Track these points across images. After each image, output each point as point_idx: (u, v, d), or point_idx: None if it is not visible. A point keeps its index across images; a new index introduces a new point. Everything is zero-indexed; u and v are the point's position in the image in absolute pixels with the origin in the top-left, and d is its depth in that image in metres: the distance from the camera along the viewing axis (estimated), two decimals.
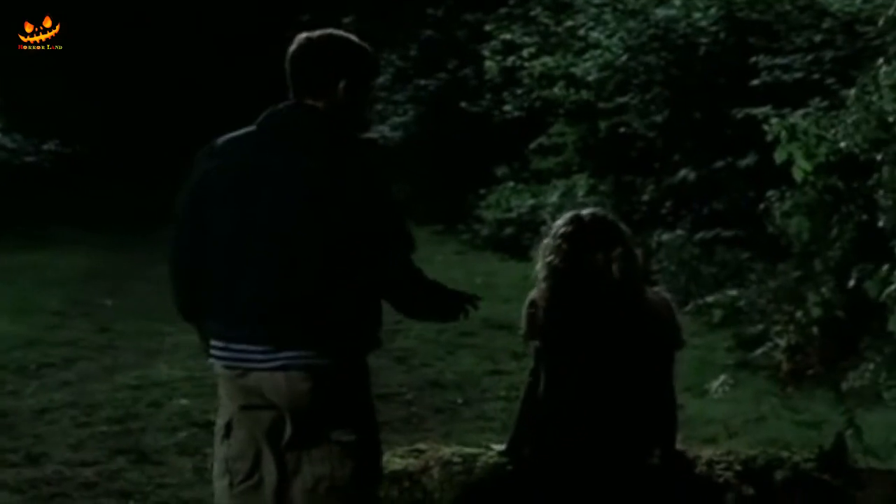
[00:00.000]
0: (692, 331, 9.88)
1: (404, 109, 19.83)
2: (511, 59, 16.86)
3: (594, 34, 15.28)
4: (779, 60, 11.42)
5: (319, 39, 4.10)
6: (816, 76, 10.98)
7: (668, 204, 13.45)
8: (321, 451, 3.98)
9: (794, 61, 11.29)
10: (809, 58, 11.26)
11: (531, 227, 15.04)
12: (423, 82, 19.43)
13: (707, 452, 4.80)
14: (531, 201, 15.13)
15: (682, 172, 12.48)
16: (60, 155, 18.39)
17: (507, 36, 17.14)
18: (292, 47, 4.09)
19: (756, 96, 11.39)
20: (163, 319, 9.26)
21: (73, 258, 14.54)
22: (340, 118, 4.01)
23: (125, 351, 9.60)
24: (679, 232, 12.68)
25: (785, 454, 4.87)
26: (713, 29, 13.23)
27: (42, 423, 7.59)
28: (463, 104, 18.15)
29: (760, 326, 9.38)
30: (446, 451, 5.04)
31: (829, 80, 10.77)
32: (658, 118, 13.32)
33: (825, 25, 11.97)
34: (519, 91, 16.93)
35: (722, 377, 8.35)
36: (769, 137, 9.47)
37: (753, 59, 11.50)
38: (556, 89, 15.75)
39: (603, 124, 14.35)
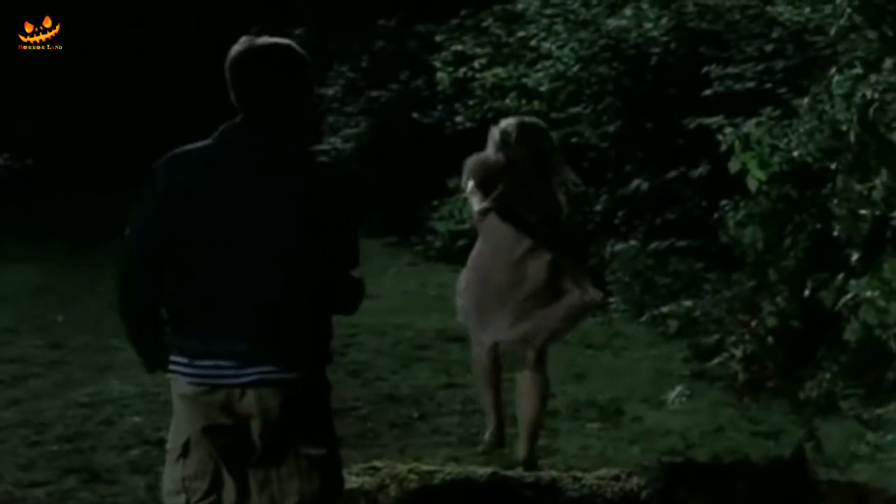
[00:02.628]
0: (647, 342, 9.91)
1: (356, 121, 19.72)
2: (462, 70, 16.79)
3: (546, 45, 15.26)
4: (730, 70, 11.43)
5: (271, 47, 4.04)
6: (768, 85, 10.99)
7: (620, 214, 13.41)
8: (289, 466, 3.99)
9: (746, 70, 11.29)
10: (760, 67, 11.27)
11: None
12: (374, 94, 19.32)
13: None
14: None
15: (635, 183, 12.48)
16: (10, 169, 18.20)
17: (459, 47, 17.09)
18: (238, 53, 4.02)
19: (708, 106, 11.41)
20: (115, 335, 9.05)
21: (24, 272, 14.35)
22: (299, 130, 4.05)
23: (77, 367, 9.45)
24: (632, 242, 12.65)
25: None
26: (664, 39, 13.22)
27: None
28: (415, 115, 18.08)
29: (716, 337, 9.36)
30: (402, 468, 5.02)
31: (781, 90, 10.79)
32: (610, 128, 13.30)
33: (775, 35, 12.00)
34: (471, 102, 16.85)
35: (678, 388, 8.33)
36: (723, 147, 9.46)
37: (705, 69, 11.48)
38: (507, 100, 15.72)
39: (555, 135, 14.26)
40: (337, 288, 4.04)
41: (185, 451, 4.04)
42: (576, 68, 13.96)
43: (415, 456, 6.76)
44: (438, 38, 17.35)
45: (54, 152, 20.93)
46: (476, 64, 16.64)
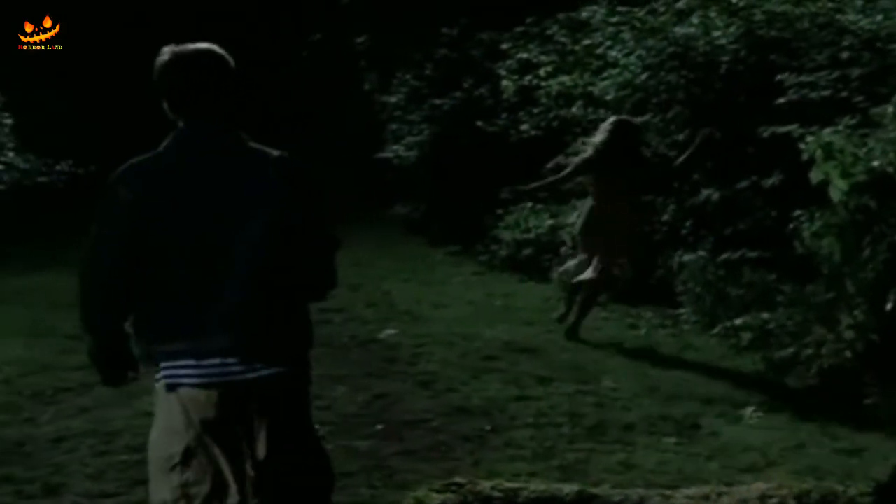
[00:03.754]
0: (719, 354, 9.73)
1: (419, 129, 19.63)
2: (528, 78, 16.67)
3: (612, 53, 15.12)
4: (804, 78, 11.20)
5: (213, 53, 4.19)
6: (844, 94, 10.76)
7: (688, 224, 13.23)
8: (287, 453, 4.05)
9: (820, 79, 11.07)
10: (835, 75, 11.04)
11: (550, 247, 14.86)
12: (437, 101, 19.23)
13: (759, 486, 4.59)
14: (550, 222, 14.92)
15: (705, 192, 12.24)
16: (73, 175, 18.23)
17: (524, 55, 16.97)
18: (166, 62, 4.17)
19: (779, 114, 11.24)
20: None
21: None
22: (239, 127, 4.22)
23: (142, 374, 9.33)
24: (700, 253, 12.49)
25: (839, 488, 4.67)
26: (733, 47, 13.02)
27: (59, 452, 7.37)
28: (479, 123, 17.95)
29: (791, 350, 9.16)
30: (485, 484, 4.88)
31: (857, 98, 10.57)
32: (679, 137, 13.09)
33: (846, 43, 11.78)
34: (535, 110, 16.75)
35: (755, 402, 8.13)
36: (805, 156, 9.26)
37: (779, 77, 11.27)
38: (574, 109, 15.60)
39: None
40: (314, 271, 4.15)
41: (185, 458, 4.02)
42: (644, 76, 13.78)
43: (489, 471, 6.63)
44: (504, 46, 17.14)
45: (119, 159, 20.94)
46: (541, 72, 16.51)
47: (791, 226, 9.88)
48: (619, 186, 11.07)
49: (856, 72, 11.17)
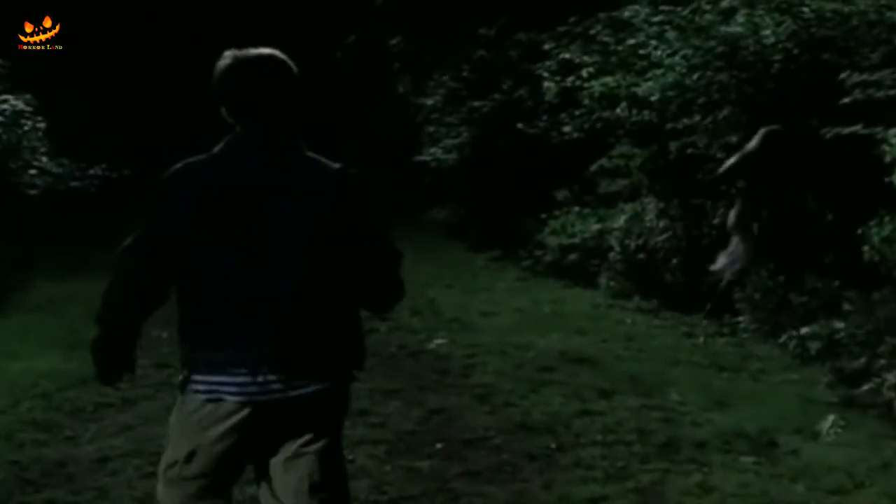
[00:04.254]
0: (784, 364, 9.33)
1: (457, 132, 19.30)
2: (570, 79, 16.28)
3: (657, 53, 14.71)
4: (867, 77, 10.77)
5: (275, 59, 4.09)
6: None
7: None
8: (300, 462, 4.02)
9: (885, 77, 10.64)
10: None
11: (596, 252, 14.49)
12: (476, 104, 18.86)
13: None
14: (597, 226, 14.53)
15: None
16: (107, 179, 17.94)
17: (567, 55, 16.56)
18: (227, 66, 4.06)
19: (837, 114, 10.85)
20: None
21: None
22: (298, 135, 4.10)
23: (137, 379, 8.93)
24: None
25: None
26: (784, 45, 12.61)
27: (104, 474, 6.98)
28: (520, 125, 17.59)
29: (863, 360, 8.74)
30: None
31: None
32: (733, 138, 12.69)
33: None
34: (577, 112, 16.35)
35: (831, 417, 7.71)
36: (887, 158, 8.85)
37: (841, 75, 10.83)
38: (618, 110, 15.20)
39: (673, 145, 13.70)
40: (379, 284, 4.12)
41: (189, 458, 4.04)
42: (695, 76, 13.36)
43: (560, 494, 6.26)
44: (546, 47, 16.75)
45: (152, 163, 20.70)
46: (584, 73, 16.11)
47: (859, 231, 9.46)
48: None
49: None
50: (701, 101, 13.66)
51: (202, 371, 3.99)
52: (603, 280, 13.93)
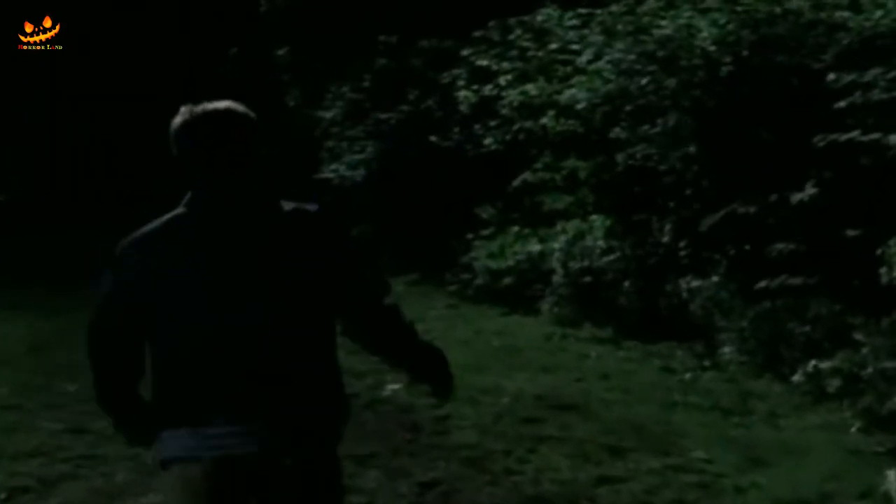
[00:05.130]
0: (794, 404, 8.25)
1: (362, 146, 17.98)
2: (488, 87, 15.17)
3: (581, 58, 13.70)
4: (855, 78, 9.74)
5: (230, 112, 3.84)
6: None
7: (685, 246, 11.87)
8: None
9: (877, 78, 9.60)
10: (893, 75, 9.58)
11: (532, 275, 13.33)
12: (382, 116, 17.56)
13: None
14: (538, 247, 13.33)
15: (727, 209, 10.68)
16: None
17: (483, 62, 15.40)
18: (183, 123, 3.81)
19: (816, 119, 9.90)
20: None
21: (16, 328, 12.49)
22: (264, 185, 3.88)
23: (116, 465, 7.54)
24: (714, 278, 11.08)
25: None
26: (734, 48, 11.66)
27: None
28: (432, 138, 16.39)
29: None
30: None
31: None
32: (691, 149, 11.60)
33: (845, 41, 10.65)
34: (493, 123, 15.25)
35: (892, 474, 6.59)
36: None
37: (830, 76, 9.79)
38: (545, 119, 14.13)
39: (620, 157, 12.56)
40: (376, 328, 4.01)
41: None
42: (625, 81, 12.31)
43: None
44: (464, 52, 15.55)
45: (33, 190, 19.38)
46: (501, 80, 15.03)
47: (879, 251, 8.39)
48: None
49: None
50: (629, 108, 12.70)
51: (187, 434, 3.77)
52: (545, 306, 12.74)
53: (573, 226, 13.00)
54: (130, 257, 3.81)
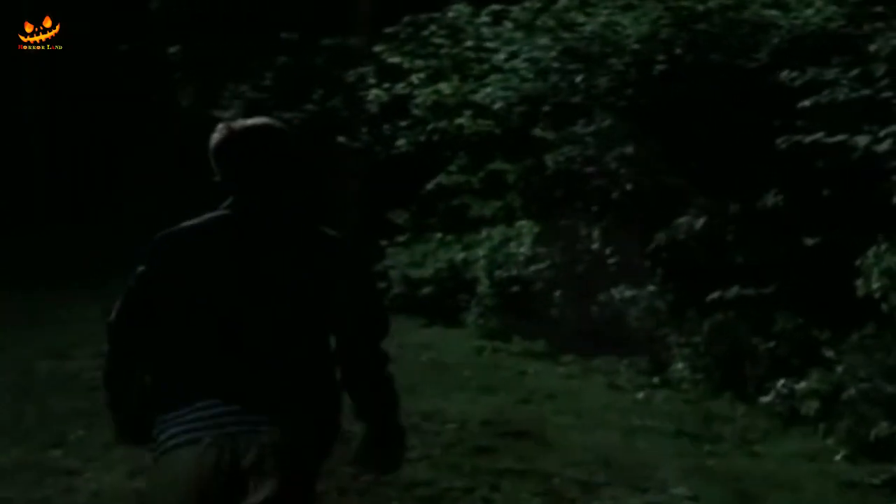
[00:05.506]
0: (764, 427, 7.66)
1: None
2: (400, 86, 14.49)
3: (499, 56, 13.13)
4: (814, 75, 9.18)
5: (267, 129, 4.04)
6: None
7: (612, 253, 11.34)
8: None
9: (838, 76, 9.03)
10: (855, 72, 9.02)
11: (456, 285, 12.65)
12: (286, 115, 16.72)
13: None
14: (462, 255, 12.64)
15: (685, 218, 10.07)
16: None
17: (396, 59, 14.69)
18: (221, 140, 3.97)
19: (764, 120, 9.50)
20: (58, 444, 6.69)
21: None
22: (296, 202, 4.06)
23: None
24: (651, 288, 10.50)
25: None
26: (667, 47, 11.14)
27: None
28: (340, 139, 15.64)
29: (885, 425, 7.06)
30: None
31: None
32: (628, 149, 11.02)
33: (775, 40, 10.36)
34: (403, 123, 14.57)
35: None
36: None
37: (788, 74, 9.23)
38: (463, 119, 13.52)
39: (549, 159, 11.90)
40: (365, 357, 4.00)
41: None
42: (544, 80, 11.76)
43: None
44: (377, 49, 14.80)
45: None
46: (414, 79, 14.36)
47: (860, 261, 7.81)
48: None
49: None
50: (547, 108, 12.15)
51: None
52: (470, 317, 12.05)
53: (499, 232, 12.33)
54: (165, 247, 3.96)
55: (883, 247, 7.62)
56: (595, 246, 11.74)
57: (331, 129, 16.10)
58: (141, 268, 3.99)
